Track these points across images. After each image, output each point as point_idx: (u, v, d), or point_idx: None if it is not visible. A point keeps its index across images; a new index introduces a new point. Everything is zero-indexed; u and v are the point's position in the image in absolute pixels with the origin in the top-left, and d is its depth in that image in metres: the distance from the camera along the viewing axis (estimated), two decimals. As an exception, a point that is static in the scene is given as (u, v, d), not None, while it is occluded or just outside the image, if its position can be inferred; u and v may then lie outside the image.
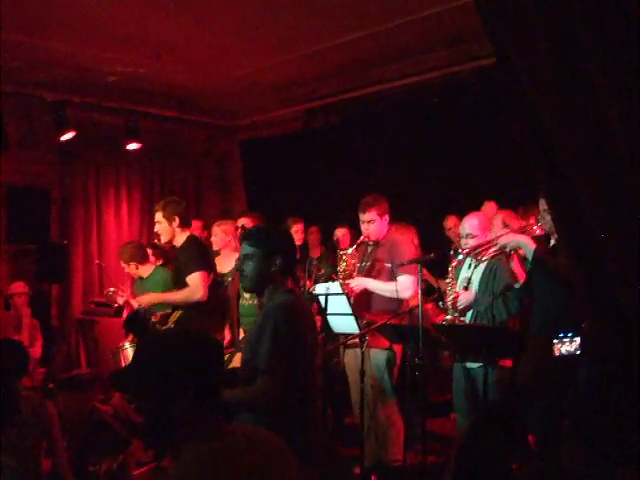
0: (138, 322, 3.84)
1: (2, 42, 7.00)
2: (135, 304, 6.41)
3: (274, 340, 3.33)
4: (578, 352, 2.71)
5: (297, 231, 7.99)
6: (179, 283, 5.97)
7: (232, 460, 2.26)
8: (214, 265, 6.28)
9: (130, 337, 6.86)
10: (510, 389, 5.29)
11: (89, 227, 10.09)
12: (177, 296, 5.95)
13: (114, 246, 10.16)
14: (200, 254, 5.96)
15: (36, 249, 9.17)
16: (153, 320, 6.01)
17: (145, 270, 6.97)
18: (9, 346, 4.29)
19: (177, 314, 5.98)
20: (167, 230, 6.04)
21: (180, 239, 6.03)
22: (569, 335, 2.67)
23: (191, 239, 6.04)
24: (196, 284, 5.78)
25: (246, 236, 3.82)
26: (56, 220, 9.78)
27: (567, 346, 2.67)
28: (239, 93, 9.59)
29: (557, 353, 2.68)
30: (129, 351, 6.29)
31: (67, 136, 9.12)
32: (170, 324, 5.97)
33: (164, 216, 6.04)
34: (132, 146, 9.77)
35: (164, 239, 6.11)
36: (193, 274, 5.79)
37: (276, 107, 10.17)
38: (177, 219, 6.00)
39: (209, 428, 2.33)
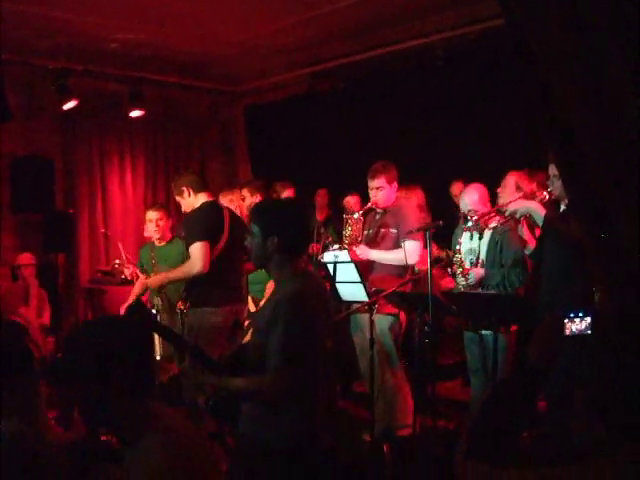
0: (139, 311, 3.79)
1: (3, 11, 6.92)
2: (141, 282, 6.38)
3: (286, 335, 3.22)
4: (589, 331, 2.68)
5: (288, 197, 7.92)
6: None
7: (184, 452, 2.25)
8: (230, 232, 5.93)
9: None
10: (519, 355, 5.30)
11: (94, 195, 10.07)
12: (178, 272, 5.84)
13: (119, 214, 10.19)
14: (204, 223, 5.76)
15: (41, 219, 9.16)
16: (179, 307, 5.98)
17: (165, 230, 6.86)
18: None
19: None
20: (185, 204, 6.00)
21: (197, 206, 5.95)
22: (580, 314, 2.64)
23: (201, 207, 5.89)
24: (195, 255, 5.62)
25: (250, 212, 3.76)
26: (61, 189, 9.73)
27: (577, 325, 2.64)
28: (243, 58, 9.50)
29: (567, 332, 2.65)
30: None
31: (70, 105, 9.07)
32: (187, 307, 5.95)
33: (176, 193, 6.04)
34: (135, 113, 9.71)
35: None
36: (193, 245, 5.64)
37: (280, 71, 10.07)
38: (185, 189, 5.93)
39: (148, 415, 2.34)
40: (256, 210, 3.68)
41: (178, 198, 6.05)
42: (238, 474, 3.54)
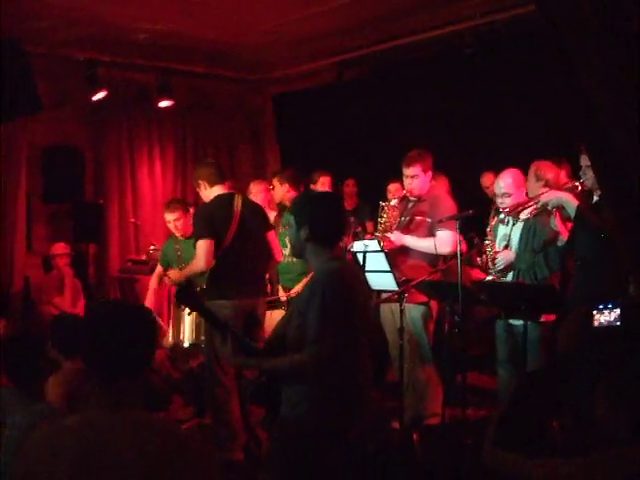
0: (188, 294, 3.84)
1: (31, 2, 6.98)
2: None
3: (322, 310, 3.32)
4: (618, 323, 2.69)
5: (323, 183, 7.93)
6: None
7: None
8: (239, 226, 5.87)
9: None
10: (551, 346, 5.29)
11: (123, 185, 10.10)
12: (187, 270, 5.94)
13: (149, 204, 10.22)
14: (208, 219, 5.74)
15: (72, 209, 9.24)
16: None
17: (186, 226, 6.82)
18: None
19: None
20: (203, 197, 6.02)
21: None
22: (609, 306, 2.65)
23: (212, 200, 5.88)
24: (198, 253, 5.65)
25: (290, 204, 3.86)
26: (90, 179, 9.80)
27: (606, 316, 2.65)
28: (269, 47, 9.48)
29: (596, 323, 2.66)
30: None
31: (99, 95, 9.13)
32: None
33: (196, 186, 6.08)
34: (164, 103, 9.77)
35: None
36: (198, 243, 5.68)
37: (307, 60, 10.04)
38: (201, 183, 5.94)
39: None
40: (292, 202, 3.95)
41: (198, 190, 6.08)
42: (279, 457, 3.61)
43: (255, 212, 6.08)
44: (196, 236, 5.75)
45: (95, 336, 2.39)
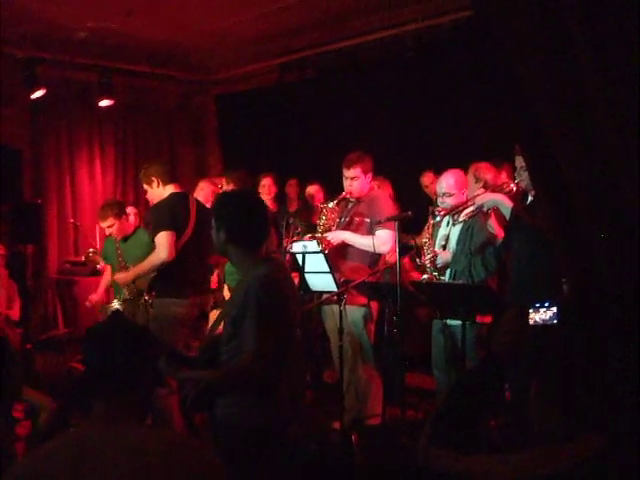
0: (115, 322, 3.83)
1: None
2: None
3: (259, 319, 3.27)
4: (554, 321, 2.72)
5: (265, 185, 7.98)
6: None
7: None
8: (197, 223, 5.91)
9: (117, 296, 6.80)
10: (487, 346, 5.34)
11: (63, 186, 9.98)
12: (145, 265, 5.83)
13: (88, 205, 10.12)
14: (169, 212, 5.75)
15: (9, 210, 9.07)
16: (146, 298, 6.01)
17: (122, 229, 6.82)
18: None
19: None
20: (153, 194, 5.99)
21: (165, 197, 5.94)
22: (545, 305, 2.68)
23: (168, 197, 5.89)
24: (161, 244, 5.61)
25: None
26: (29, 180, 9.66)
27: (542, 315, 2.68)
28: (213, 47, 9.48)
29: (532, 322, 2.69)
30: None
31: (38, 94, 9.00)
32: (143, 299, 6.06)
33: (145, 183, 6.01)
34: (105, 103, 9.66)
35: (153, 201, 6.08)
36: (159, 234, 5.63)
37: (251, 61, 10.05)
38: (155, 179, 5.92)
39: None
40: (212, 203, 3.80)
41: (146, 187, 6.03)
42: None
43: (206, 212, 6.06)
44: (157, 228, 5.68)
45: (100, 354, 2.44)
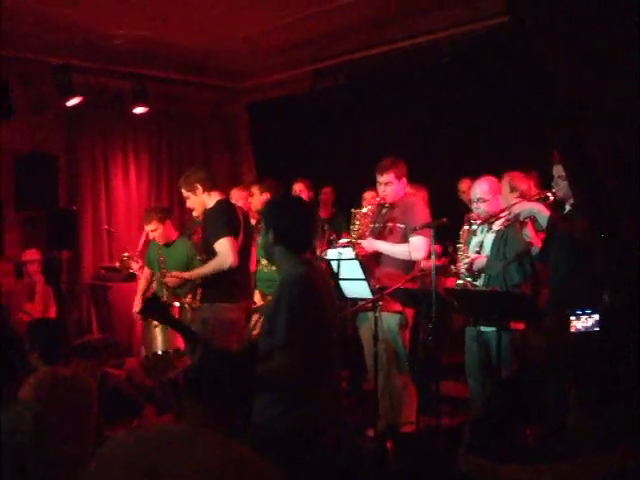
0: (156, 307, 3.84)
1: (6, 7, 6.92)
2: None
3: (289, 315, 3.33)
4: (595, 328, 2.69)
5: (300, 191, 7.98)
6: (207, 251, 5.88)
7: None
8: (243, 230, 5.99)
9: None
10: (522, 352, 5.32)
11: (97, 192, 10.05)
12: (207, 268, 5.82)
13: (123, 211, 10.18)
14: (226, 219, 5.81)
15: (45, 216, 9.16)
16: (183, 302, 6.04)
17: (165, 234, 6.86)
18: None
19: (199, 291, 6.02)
20: (196, 201, 5.99)
21: (210, 205, 5.96)
22: (587, 312, 2.66)
23: (218, 204, 5.92)
24: (225, 251, 5.65)
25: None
26: (64, 186, 9.72)
27: (584, 322, 2.65)
28: (246, 55, 9.49)
29: (573, 329, 2.67)
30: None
31: (73, 101, 9.06)
32: (197, 301, 6.02)
33: (187, 190, 6.00)
34: (139, 110, 9.72)
35: (197, 212, 6.08)
36: (220, 240, 5.66)
37: (283, 68, 10.05)
38: (199, 186, 5.92)
39: None
40: (263, 207, 3.97)
41: (188, 194, 6.01)
42: None
43: (248, 220, 6.22)
44: (216, 235, 5.71)
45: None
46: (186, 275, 6.09)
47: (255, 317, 6.42)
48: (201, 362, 3.17)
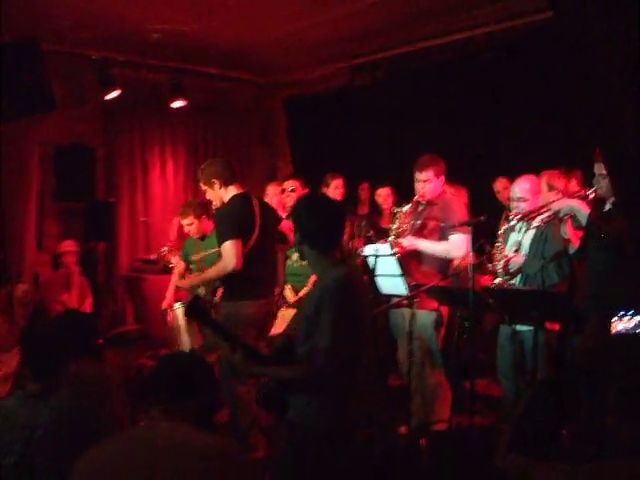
0: (199, 309, 3.89)
1: (47, 2, 6.99)
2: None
3: (333, 320, 3.33)
4: (637, 330, 2.67)
5: (336, 186, 7.93)
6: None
7: None
8: (261, 225, 5.92)
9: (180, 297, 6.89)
10: (558, 353, 5.29)
11: (134, 185, 10.12)
12: (211, 272, 5.85)
13: (159, 204, 10.24)
14: (233, 219, 5.73)
15: (83, 208, 9.25)
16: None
17: (201, 229, 6.90)
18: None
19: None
20: (213, 195, 5.97)
21: (227, 199, 5.92)
22: (629, 313, 2.63)
23: (231, 201, 5.86)
24: (228, 255, 5.59)
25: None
26: (102, 178, 9.83)
27: (625, 323, 2.63)
28: (283, 50, 9.49)
29: (614, 330, 2.65)
30: (179, 311, 6.31)
31: (112, 94, 9.11)
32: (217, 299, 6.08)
33: (204, 183, 5.99)
34: (177, 103, 9.76)
35: (215, 205, 6.05)
36: (225, 244, 5.62)
37: (321, 64, 10.04)
38: (216, 181, 5.89)
39: None
40: (294, 206, 3.90)
41: (205, 187, 5.99)
42: (285, 458, 3.67)
43: (269, 211, 6.15)
44: (223, 237, 5.68)
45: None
46: (194, 280, 6.19)
47: (284, 311, 6.44)
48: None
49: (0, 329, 6.15)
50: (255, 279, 5.78)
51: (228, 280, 5.79)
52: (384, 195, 8.14)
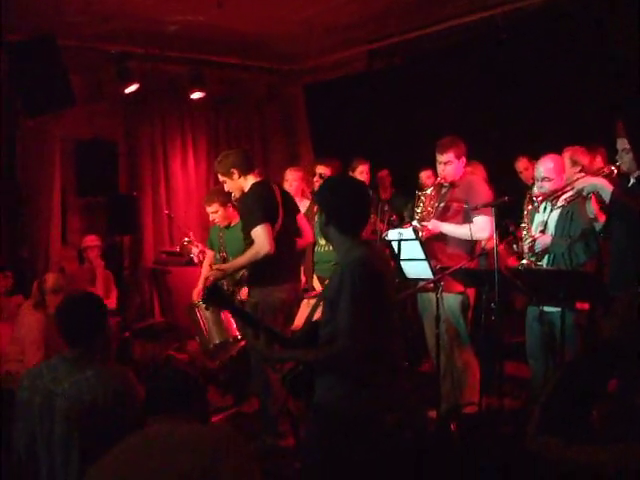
0: (218, 295, 3.89)
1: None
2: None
3: (353, 300, 3.32)
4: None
5: (362, 172, 7.88)
6: (246, 235, 5.82)
7: None
8: (284, 211, 5.92)
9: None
10: (589, 333, 5.25)
11: (157, 177, 10.13)
12: (244, 259, 5.77)
13: (182, 195, 10.26)
14: (262, 205, 5.70)
15: (106, 202, 9.29)
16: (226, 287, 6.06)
17: (226, 217, 6.90)
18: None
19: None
20: (233, 185, 5.96)
21: (247, 188, 5.90)
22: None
23: (252, 188, 5.83)
24: (260, 239, 5.56)
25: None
26: (124, 172, 9.86)
27: (655, 300, 2.61)
28: (301, 36, 9.45)
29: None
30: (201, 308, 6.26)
31: (131, 88, 9.15)
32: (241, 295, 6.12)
33: (222, 173, 5.96)
34: (196, 95, 9.77)
35: (235, 195, 6.06)
36: (255, 229, 5.58)
37: (339, 49, 9.99)
38: (235, 171, 5.87)
39: None
40: (318, 189, 3.95)
41: (224, 178, 5.97)
42: (313, 442, 3.66)
43: (288, 198, 6.13)
44: (251, 223, 5.64)
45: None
46: (225, 267, 6.02)
47: (310, 302, 6.41)
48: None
49: (38, 323, 6.20)
50: (283, 264, 5.77)
51: (256, 267, 5.75)
52: (425, 177, 8.01)
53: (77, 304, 3.83)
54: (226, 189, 6.09)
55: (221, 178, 6.02)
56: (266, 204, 5.74)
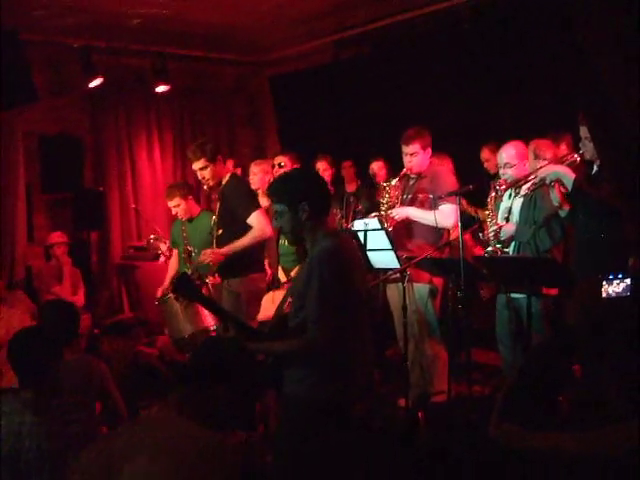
0: (187, 286, 3.85)
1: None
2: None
3: (321, 290, 3.32)
4: (627, 293, 2.64)
5: (319, 169, 7.90)
6: (230, 224, 5.85)
7: None
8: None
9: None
10: (555, 318, 5.28)
11: (123, 172, 10.04)
12: (245, 240, 5.75)
13: (149, 190, 10.18)
14: (249, 191, 5.97)
15: (72, 198, 9.20)
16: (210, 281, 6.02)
17: (188, 210, 6.84)
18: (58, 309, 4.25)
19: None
20: (215, 172, 5.94)
21: (225, 179, 5.97)
22: (619, 276, 2.61)
23: (236, 178, 5.99)
24: (261, 223, 5.70)
25: (269, 193, 3.80)
26: (90, 167, 9.76)
27: (615, 287, 2.61)
28: (266, 28, 9.40)
29: (605, 294, 2.62)
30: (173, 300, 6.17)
31: (95, 82, 9.06)
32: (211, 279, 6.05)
33: (208, 159, 5.91)
34: (161, 88, 9.67)
35: (213, 182, 5.98)
36: (252, 215, 5.71)
37: (305, 39, 9.95)
38: (220, 157, 5.97)
39: None
40: (275, 188, 3.68)
41: (207, 164, 5.91)
42: (284, 434, 3.65)
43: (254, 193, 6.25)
44: (247, 211, 5.74)
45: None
46: (224, 250, 5.87)
47: (275, 294, 6.37)
48: None
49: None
50: (256, 255, 5.95)
51: (233, 257, 5.78)
52: (377, 168, 8.06)
53: (29, 338, 3.62)
54: (202, 176, 6.01)
55: (200, 165, 5.95)
56: (252, 192, 6.04)
